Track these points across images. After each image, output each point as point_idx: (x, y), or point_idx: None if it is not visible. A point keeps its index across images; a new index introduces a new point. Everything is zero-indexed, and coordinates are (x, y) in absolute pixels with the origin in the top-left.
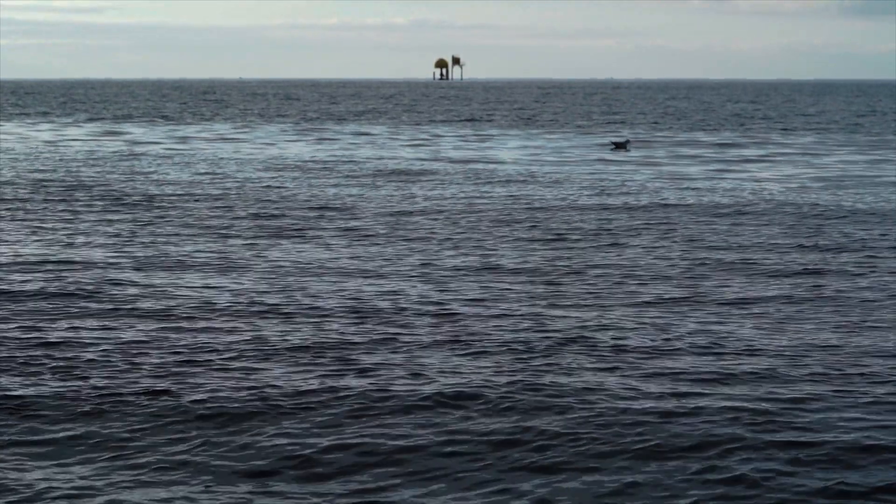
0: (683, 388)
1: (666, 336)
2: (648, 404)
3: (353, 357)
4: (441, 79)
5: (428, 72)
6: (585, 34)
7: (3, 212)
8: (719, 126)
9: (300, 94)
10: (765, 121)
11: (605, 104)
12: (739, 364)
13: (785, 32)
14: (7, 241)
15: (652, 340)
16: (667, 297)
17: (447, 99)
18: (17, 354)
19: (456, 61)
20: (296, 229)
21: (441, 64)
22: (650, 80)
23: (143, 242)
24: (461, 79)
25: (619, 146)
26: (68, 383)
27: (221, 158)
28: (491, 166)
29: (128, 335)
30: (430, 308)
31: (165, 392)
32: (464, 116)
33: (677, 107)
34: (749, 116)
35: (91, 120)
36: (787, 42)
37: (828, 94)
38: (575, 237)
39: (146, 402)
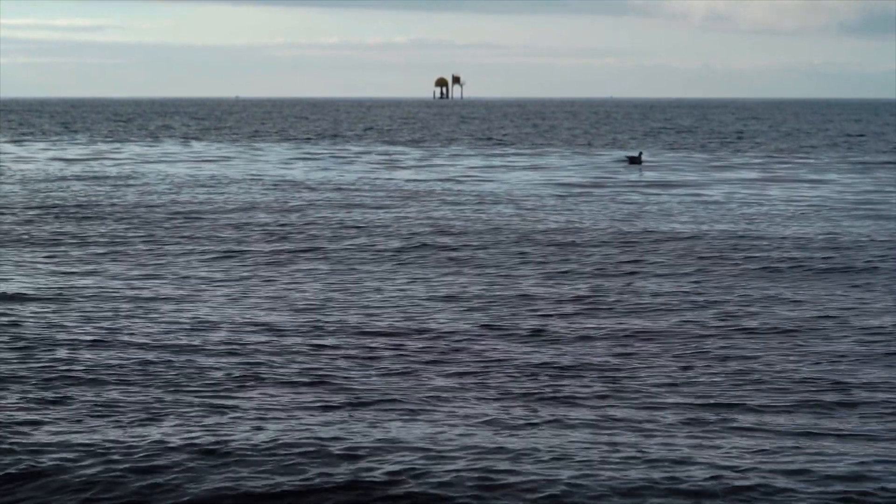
0: (699, 420)
1: (684, 366)
2: (661, 437)
3: (362, 386)
4: (441, 98)
5: (428, 91)
6: (585, 53)
7: (22, 235)
8: (731, 144)
9: (304, 113)
10: (782, 139)
11: (613, 122)
12: (758, 395)
13: (785, 51)
14: (23, 266)
15: (670, 371)
16: (687, 325)
17: (451, 117)
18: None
19: (456, 80)
20: (312, 250)
21: (441, 83)
22: (651, 99)
23: (155, 263)
24: (461, 97)
25: (634, 160)
26: (70, 411)
27: (231, 179)
28: (508, 186)
29: (129, 361)
30: (443, 332)
31: (164, 421)
32: (475, 135)
33: (682, 125)
34: (752, 134)
35: (100, 139)
36: (787, 61)
37: (830, 113)
38: (596, 262)
39: (148, 434)
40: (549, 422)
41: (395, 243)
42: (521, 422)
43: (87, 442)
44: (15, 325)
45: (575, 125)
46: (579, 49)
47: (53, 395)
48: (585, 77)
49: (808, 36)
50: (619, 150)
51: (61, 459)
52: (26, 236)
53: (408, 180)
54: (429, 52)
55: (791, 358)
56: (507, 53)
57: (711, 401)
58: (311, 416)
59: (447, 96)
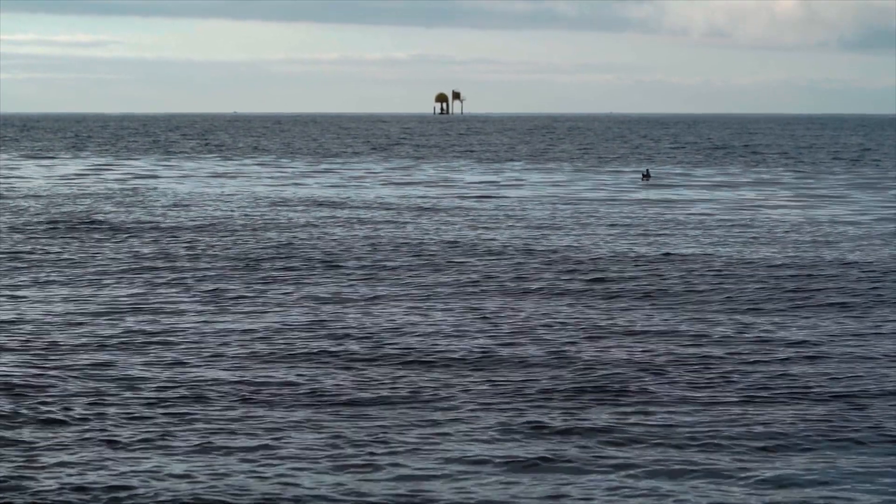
0: (713, 464)
1: (699, 399)
2: (668, 482)
3: (366, 413)
4: (441, 113)
5: (428, 106)
6: (585, 69)
7: (33, 252)
8: (740, 159)
9: (307, 128)
10: (790, 154)
11: (619, 137)
12: (778, 426)
13: (784, 67)
14: (38, 284)
15: (684, 403)
16: (705, 351)
17: (454, 132)
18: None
19: (456, 96)
20: (323, 268)
21: (441, 98)
22: (650, 114)
23: (166, 281)
24: (462, 113)
25: (645, 177)
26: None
27: (242, 195)
28: (520, 203)
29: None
30: (452, 357)
31: (168, 446)
32: (482, 150)
33: (686, 140)
34: (756, 148)
35: (110, 155)
36: (787, 76)
37: (833, 128)
38: (612, 283)
39: (148, 460)
40: (553, 458)
41: (407, 261)
42: (521, 455)
43: (85, 468)
44: (21, 344)
45: (580, 140)
46: (579, 65)
47: (57, 417)
48: (585, 93)
49: (808, 51)
50: (628, 167)
51: (61, 486)
52: (37, 252)
53: (418, 197)
54: (429, 68)
55: (815, 389)
56: (508, 69)
57: (728, 441)
58: (310, 447)
59: (447, 112)
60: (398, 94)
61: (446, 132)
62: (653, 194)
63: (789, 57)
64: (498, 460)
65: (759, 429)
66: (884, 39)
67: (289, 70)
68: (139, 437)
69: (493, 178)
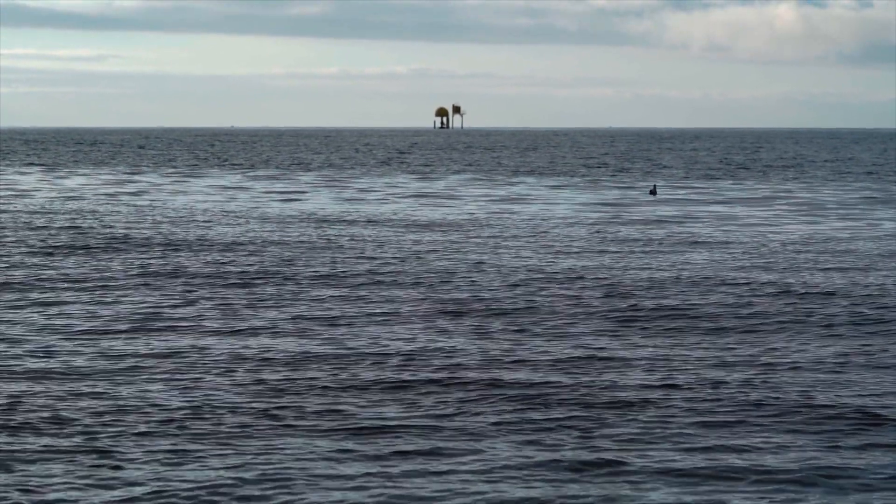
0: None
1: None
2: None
3: (377, 440)
4: (442, 127)
5: (429, 120)
6: (585, 83)
7: (41, 267)
8: (747, 174)
9: (310, 143)
10: (796, 168)
11: (625, 152)
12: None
13: (783, 81)
14: (44, 300)
15: (698, 438)
16: (725, 376)
17: (458, 146)
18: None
19: (456, 110)
20: (337, 285)
21: (442, 112)
22: (651, 129)
23: (174, 296)
24: (462, 127)
25: (652, 192)
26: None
27: (256, 210)
28: (530, 219)
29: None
30: (458, 381)
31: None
32: (490, 165)
33: (691, 154)
34: (766, 162)
35: (121, 169)
36: (786, 90)
37: (836, 142)
38: (625, 308)
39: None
40: (567, 492)
41: (417, 279)
42: (534, 485)
43: (89, 491)
44: (27, 362)
45: (583, 154)
46: (578, 79)
47: (60, 437)
48: (585, 107)
49: (807, 66)
50: (634, 182)
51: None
52: (44, 266)
53: (425, 211)
54: (429, 82)
55: (841, 412)
56: (508, 83)
57: (757, 474)
58: (315, 470)
59: (447, 126)
60: (398, 108)
61: (452, 146)
62: (661, 210)
63: (789, 71)
64: (511, 491)
65: (790, 455)
66: (883, 54)
67: (288, 84)
68: (145, 460)
69: (500, 192)
